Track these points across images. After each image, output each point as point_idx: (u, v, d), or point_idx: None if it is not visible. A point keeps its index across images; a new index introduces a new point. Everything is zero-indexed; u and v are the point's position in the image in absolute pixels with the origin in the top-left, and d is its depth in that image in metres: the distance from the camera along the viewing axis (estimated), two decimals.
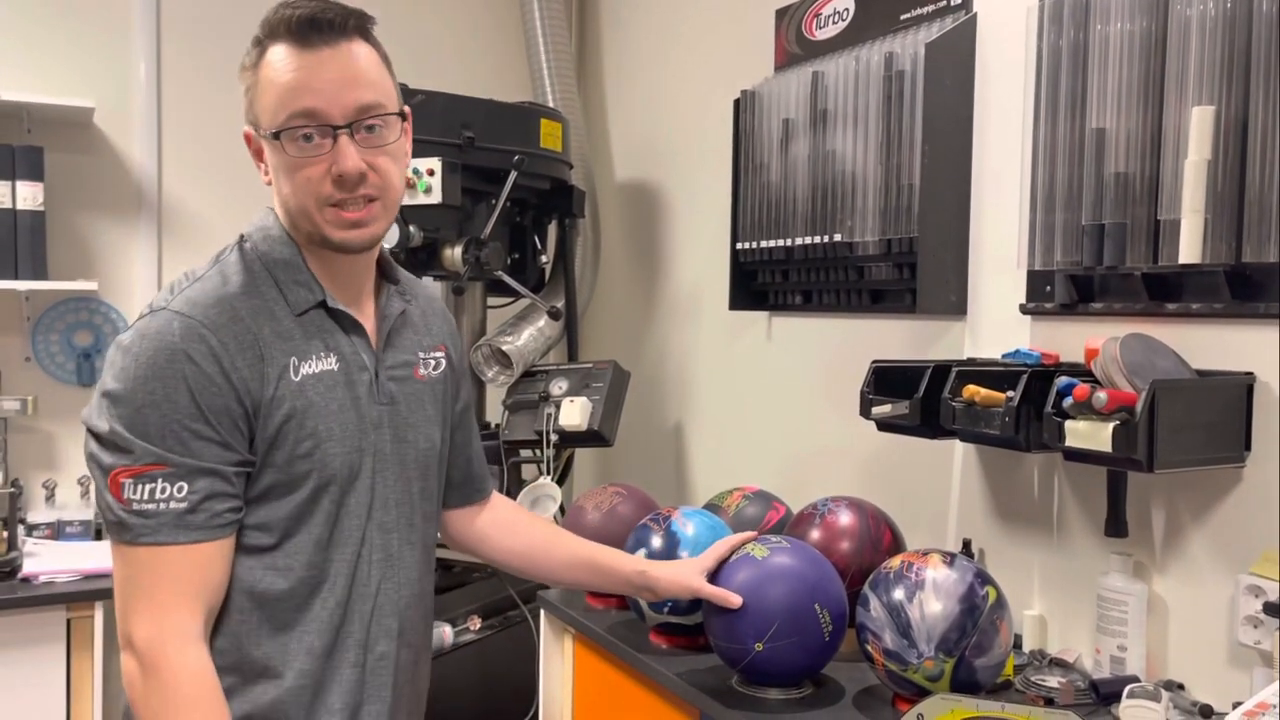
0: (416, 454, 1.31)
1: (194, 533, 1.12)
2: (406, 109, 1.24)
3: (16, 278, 2.64)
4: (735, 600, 1.52)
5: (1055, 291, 1.77)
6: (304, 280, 1.22)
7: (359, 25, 1.19)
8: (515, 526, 1.55)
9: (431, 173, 2.43)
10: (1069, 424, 1.51)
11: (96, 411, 1.13)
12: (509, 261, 2.82)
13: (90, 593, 2.40)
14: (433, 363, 1.37)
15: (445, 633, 2.38)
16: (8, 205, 2.63)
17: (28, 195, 2.64)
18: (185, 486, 1.11)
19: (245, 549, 1.18)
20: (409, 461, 1.30)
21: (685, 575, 1.55)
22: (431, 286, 1.47)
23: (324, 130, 1.15)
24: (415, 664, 1.34)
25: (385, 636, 1.26)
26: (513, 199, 2.65)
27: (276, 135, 1.16)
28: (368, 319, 1.29)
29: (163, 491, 1.11)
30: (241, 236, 1.25)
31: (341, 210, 1.18)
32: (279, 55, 1.16)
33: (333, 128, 1.16)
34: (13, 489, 2.60)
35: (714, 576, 1.58)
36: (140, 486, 1.10)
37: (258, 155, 1.23)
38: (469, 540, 1.53)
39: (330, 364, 1.21)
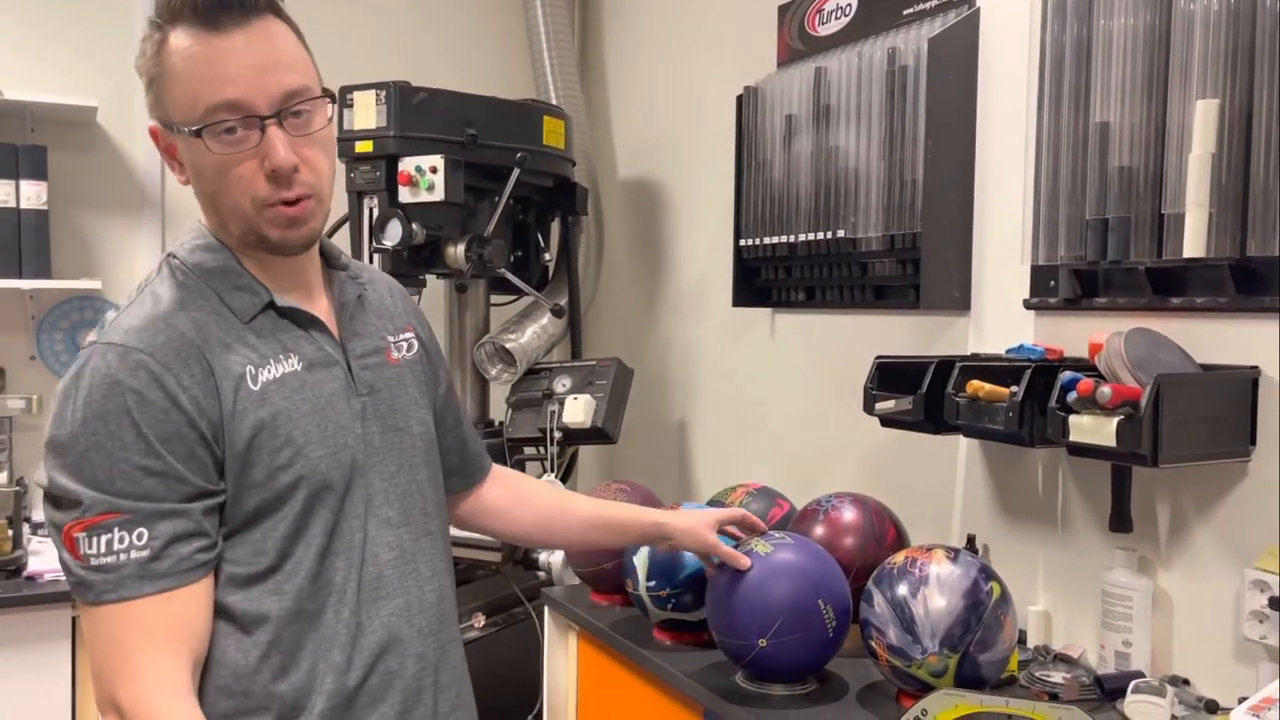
0: (413, 440, 1.22)
1: (161, 581, 1.02)
2: (332, 90, 1.14)
3: (21, 277, 2.65)
4: (744, 561, 1.55)
5: (1059, 286, 1.76)
6: (244, 284, 1.12)
7: (269, 1, 1.08)
8: (524, 496, 1.50)
9: (434, 170, 2.43)
10: (1073, 419, 1.51)
11: (44, 466, 1.03)
12: (512, 259, 2.83)
13: None
14: (404, 345, 1.27)
15: None
16: (11, 205, 2.63)
17: (31, 194, 2.65)
18: (145, 533, 1.01)
19: (247, 580, 1.08)
20: (407, 450, 1.21)
21: (701, 529, 1.54)
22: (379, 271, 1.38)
23: (249, 122, 1.05)
24: (462, 660, 1.27)
25: (419, 637, 1.18)
26: (515, 196, 2.65)
27: (197, 132, 1.05)
28: (323, 310, 1.19)
29: (121, 541, 1.01)
30: (169, 254, 1.15)
31: (282, 207, 1.08)
32: (185, 41, 1.05)
33: (259, 118, 1.05)
34: (18, 487, 2.60)
35: (718, 570, 1.58)
36: (95, 539, 1.00)
37: (169, 153, 1.12)
38: (482, 520, 1.47)
39: (293, 365, 1.12)
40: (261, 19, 1.06)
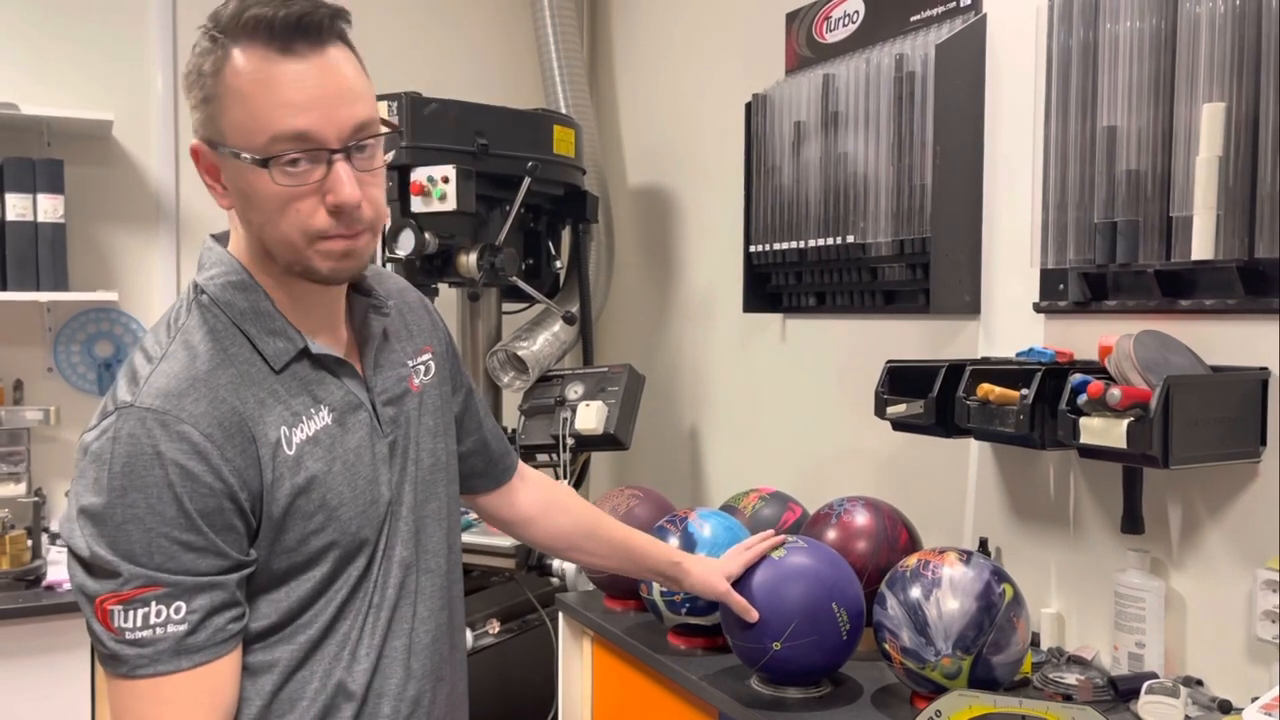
0: (424, 473, 1.21)
1: (198, 655, 0.99)
2: (394, 123, 1.11)
3: (38, 289, 2.67)
4: (753, 614, 1.55)
5: (1068, 289, 1.77)
6: (278, 328, 1.08)
7: (340, 26, 1.03)
8: (558, 506, 1.49)
9: (446, 180, 2.45)
10: (1084, 421, 1.51)
11: (75, 530, 0.99)
12: (523, 267, 2.84)
13: None
14: (422, 369, 1.24)
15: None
16: (29, 218, 2.66)
17: (48, 208, 2.68)
18: (183, 606, 0.98)
19: (263, 632, 1.06)
20: (421, 484, 1.19)
21: (713, 578, 1.55)
22: (400, 281, 1.34)
23: (317, 155, 1.00)
24: (451, 696, 1.24)
25: (412, 680, 1.16)
26: (526, 205, 2.67)
27: (263, 162, 0.99)
28: (347, 343, 1.16)
29: (158, 615, 0.98)
30: (195, 287, 1.09)
31: (335, 241, 1.04)
32: (253, 62, 0.99)
33: (328, 151, 1.01)
34: (36, 498, 2.63)
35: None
36: (131, 613, 0.97)
37: (210, 174, 1.06)
38: (513, 526, 1.48)
39: (324, 419, 1.09)
40: (334, 45, 1.02)
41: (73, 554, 1.00)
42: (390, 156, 1.10)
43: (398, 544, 1.15)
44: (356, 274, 1.11)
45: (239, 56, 0.99)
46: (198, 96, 1.02)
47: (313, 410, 1.09)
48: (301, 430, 1.07)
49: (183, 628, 0.98)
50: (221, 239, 1.13)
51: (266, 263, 1.08)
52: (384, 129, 1.06)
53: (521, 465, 1.49)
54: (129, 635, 0.97)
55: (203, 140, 1.04)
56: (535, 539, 1.50)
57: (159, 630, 0.98)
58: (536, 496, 1.48)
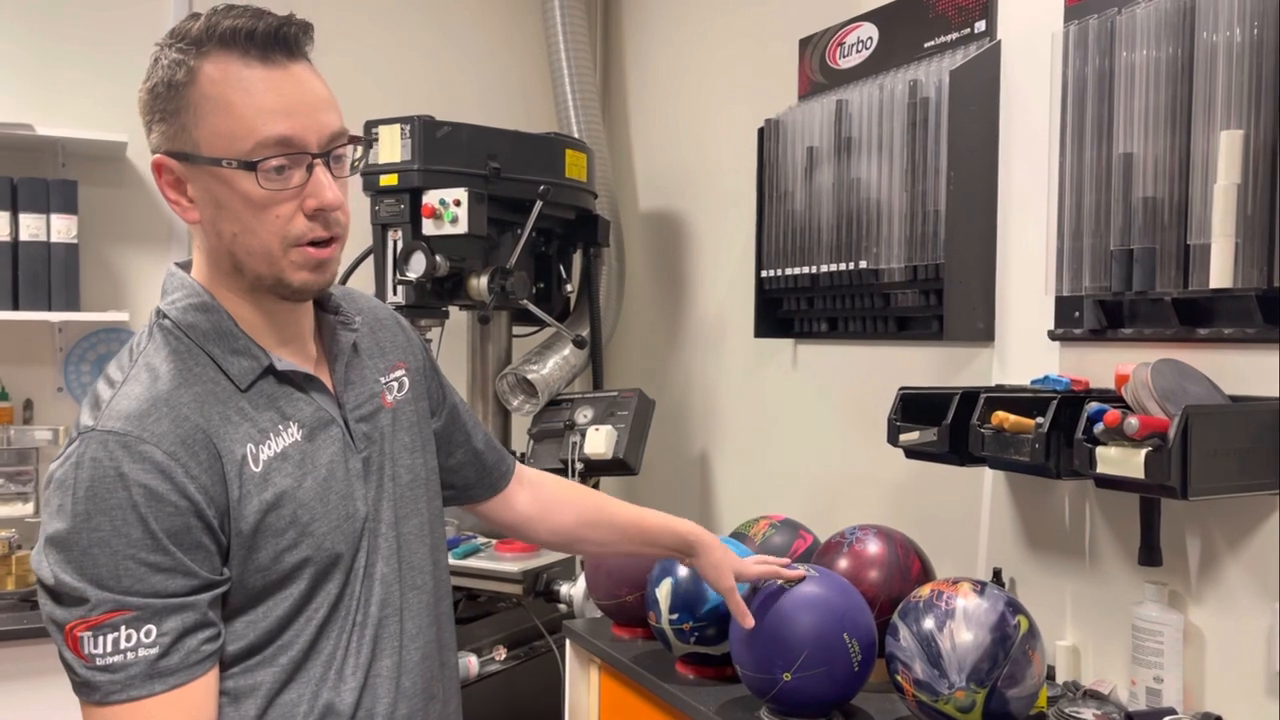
0: (403, 490, 1.20)
1: (172, 678, 0.98)
2: (359, 135, 1.14)
3: (50, 309, 2.68)
4: (749, 621, 1.52)
5: (1084, 317, 1.75)
6: (242, 347, 1.08)
7: (310, 40, 1.07)
8: (560, 499, 1.49)
9: (458, 203, 2.45)
10: (1100, 450, 1.49)
11: (42, 560, 0.99)
12: (534, 291, 2.84)
13: None
14: (395, 385, 1.24)
15: (471, 663, 2.37)
16: (42, 238, 2.67)
17: (61, 228, 2.69)
18: (154, 630, 0.97)
19: (243, 653, 1.06)
20: (400, 500, 1.19)
21: (724, 570, 1.51)
22: (375, 302, 1.35)
23: (299, 159, 1.03)
24: (444, 715, 1.24)
25: (404, 699, 1.15)
26: (538, 229, 2.67)
27: (250, 165, 1.01)
28: (316, 361, 1.17)
29: (129, 639, 0.97)
30: (158, 312, 1.10)
31: (310, 249, 1.06)
32: (232, 70, 1.01)
33: (310, 156, 1.04)
34: None
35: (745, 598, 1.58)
36: (101, 639, 0.96)
37: (175, 188, 1.06)
38: (518, 527, 1.47)
39: (293, 435, 1.09)
40: (305, 58, 1.06)
41: (41, 584, 0.99)
42: (360, 164, 1.13)
43: (379, 561, 1.15)
44: (324, 288, 1.11)
45: (215, 66, 1.02)
46: (164, 110, 1.04)
47: (281, 427, 1.08)
48: (269, 447, 1.07)
49: (154, 651, 0.98)
50: (186, 266, 1.14)
51: (232, 280, 1.09)
52: (350, 140, 1.09)
53: (520, 468, 1.48)
54: (100, 661, 0.97)
55: (168, 154, 1.05)
56: (541, 537, 1.49)
57: (130, 655, 0.97)
58: (537, 495, 1.48)
